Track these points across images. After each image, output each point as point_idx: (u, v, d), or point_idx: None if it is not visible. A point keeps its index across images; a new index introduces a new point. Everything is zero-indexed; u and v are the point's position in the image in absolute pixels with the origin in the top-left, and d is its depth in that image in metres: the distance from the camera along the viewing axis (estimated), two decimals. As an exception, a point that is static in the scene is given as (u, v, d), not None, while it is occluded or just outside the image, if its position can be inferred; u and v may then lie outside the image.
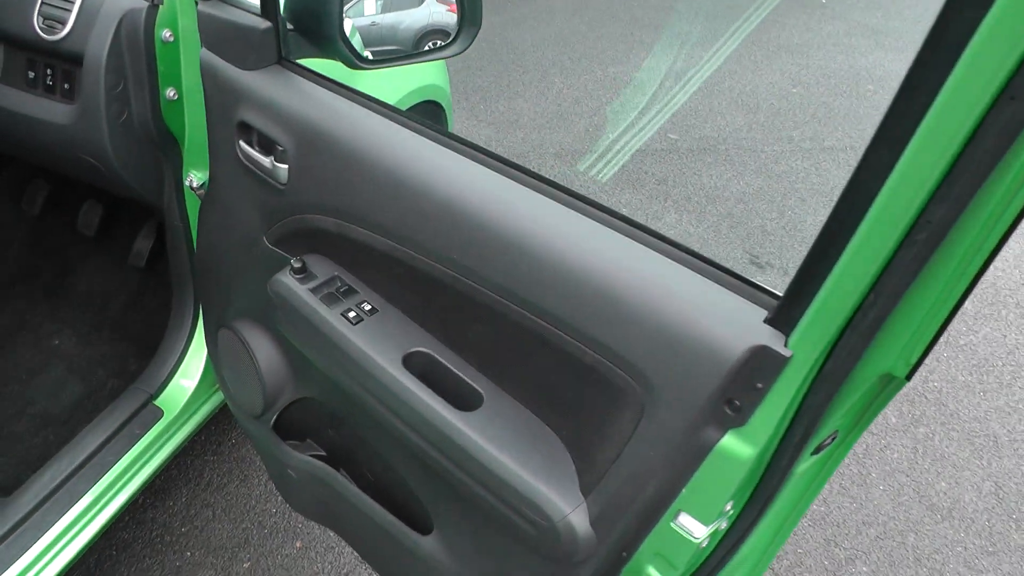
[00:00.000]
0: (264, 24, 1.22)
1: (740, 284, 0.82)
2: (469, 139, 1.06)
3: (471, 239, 0.98)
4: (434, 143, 1.07)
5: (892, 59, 5.93)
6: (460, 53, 1.38)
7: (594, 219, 0.91)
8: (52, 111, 1.56)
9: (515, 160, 1.01)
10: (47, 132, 1.58)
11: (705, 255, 0.85)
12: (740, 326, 0.78)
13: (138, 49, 1.48)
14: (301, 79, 1.24)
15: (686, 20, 6.59)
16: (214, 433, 2.31)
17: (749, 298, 0.81)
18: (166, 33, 1.48)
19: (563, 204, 0.94)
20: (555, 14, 6.53)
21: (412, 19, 1.23)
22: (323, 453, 1.52)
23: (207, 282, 1.61)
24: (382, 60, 1.39)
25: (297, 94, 1.21)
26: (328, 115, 1.17)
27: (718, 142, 4.44)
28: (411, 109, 2.17)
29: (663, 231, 0.88)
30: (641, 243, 0.88)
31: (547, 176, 0.97)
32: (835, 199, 0.62)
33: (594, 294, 0.87)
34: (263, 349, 1.45)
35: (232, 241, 1.45)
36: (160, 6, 1.46)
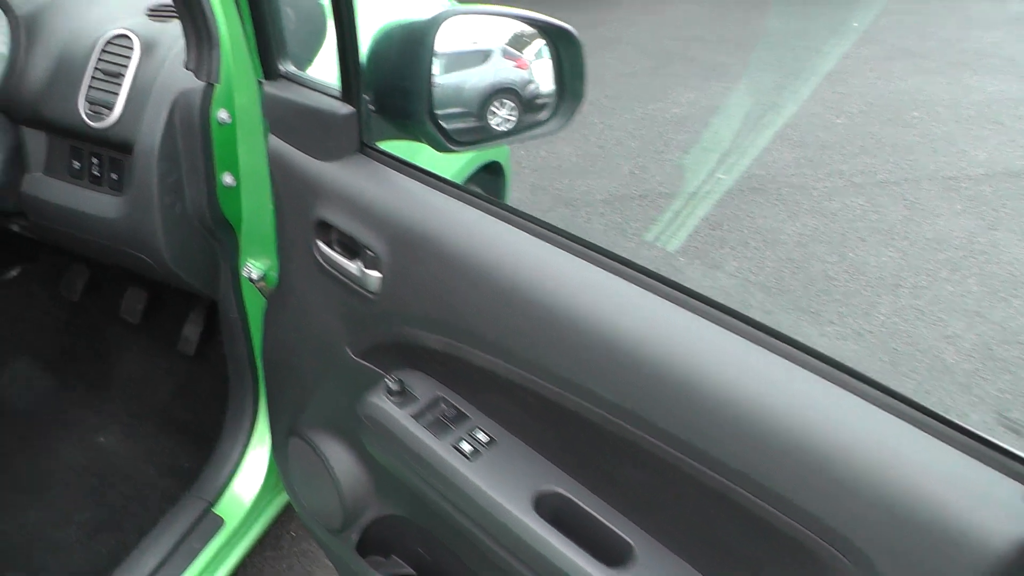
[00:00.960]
0: (345, 109, 1.07)
1: (987, 451, 0.65)
2: (597, 243, 0.90)
3: (616, 369, 0.81)
4: (555, 245, 0.91)
5: (933, 83, 5.76)
6: (560, 130, 1.22)
7: (781, 354, 0.74)
8: (99, 204, 1.42)
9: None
10: (93, 226, 1.44)
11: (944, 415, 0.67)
12: (998, 505, 0.60)
13: (193, 133, 1.34)
14: (387, 169, 1.09)
15: (719, 51, 6.47)
16: (272, 525, 2.14)
17: (998, 467, 0.63)
18: (223, 114, 1.34)
19: (733, 331, 0.77)
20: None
21: (478, 78, 1.14)
22: (412, 572, 1.35)
23: (274, 384, 1.46)
24: (475, 141, 1.23)
25: (385, 187, 1.06)
26: (424, 212, 1.01)
27: (767, 180, 4.27)
28: (476, 171, 2.02)
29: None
30: (851, 391, 0.71)
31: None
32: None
33: (789, 447, 0.70)
34: (342, 463, 1.29)
35: (306, 346, 1.29)
36: (216, 85, 1.32)
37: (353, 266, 1.09)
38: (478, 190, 1.01)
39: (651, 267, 0.84)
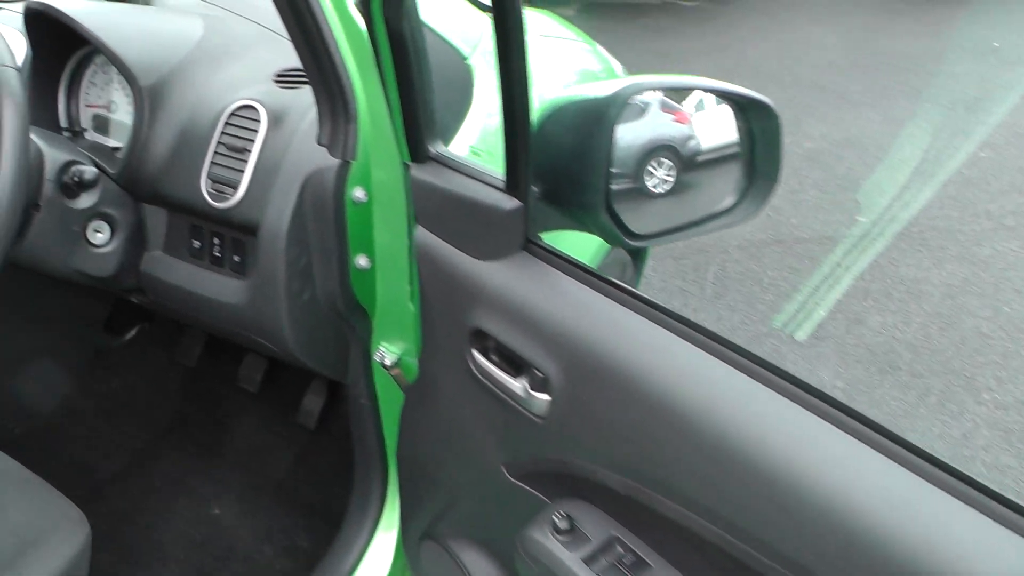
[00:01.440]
0: (510, 203, 0.92)
1: None
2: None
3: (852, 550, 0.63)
4: (767, 385, 0.73)
5: (1087, 111, 5.27)
6: (750, 219, 1.03)
7: None
8: (220, 287, 1.31)
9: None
10: (213, 310, 1.32)
11: None
12: None
13: (325, 214, 1.20)
14: (557, 271, 0.92)
15: (850, 78, 6.11)
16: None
17: None
18: (358, 192, 1.20)
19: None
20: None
21: (634, 134, 1.00)
22: None
23: (408, 480, 1.32)
24: (656, 235, 1.05)
25: (556, 294, 0.89)
26: (605, 329, 0.85)
27: (909, 224, 3.94)
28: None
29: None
30: None
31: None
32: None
33: None
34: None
35: (450, 452, 1.14)
36: (352, 162, 1.19)
37: (517, 385, 0.93)
38: (666, 307, 0.83)
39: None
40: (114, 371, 2.05)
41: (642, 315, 0.84)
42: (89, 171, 1.16)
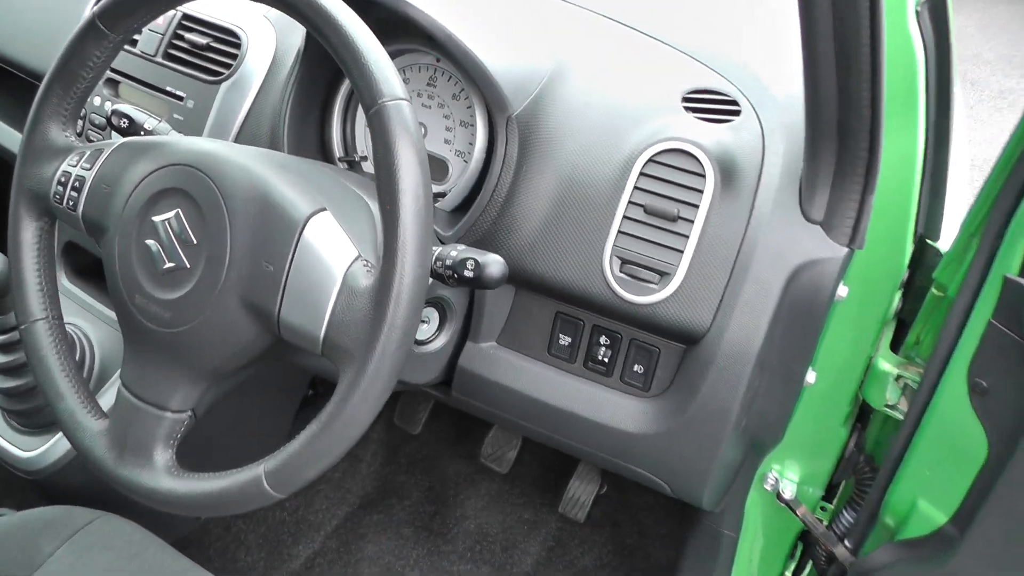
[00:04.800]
0: None
1: None
2: None
3: None
4: None
5: None
6: None
7: None
8: (597, 402, 0.93)
9: None
10: (575, 429, 0.95)
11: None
12: None
13: (803, 322, 0.84)
14: None
15: (1007, 73, 5.49)
16: None
17: None
18: (842, 289, 0.86)
19: None
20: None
21: None
22: None
23: None
24: None
25: None
26: None
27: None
28: None
29: None
30: None
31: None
32: None
33: None
34: None
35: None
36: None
37: None
38: None
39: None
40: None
41: None
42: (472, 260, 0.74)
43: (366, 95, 0.63)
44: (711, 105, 0.90)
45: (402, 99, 0.64)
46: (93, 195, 0.77)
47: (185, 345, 0.71)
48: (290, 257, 0.66)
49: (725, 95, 0.91)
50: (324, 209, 0.69)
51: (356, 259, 0.66)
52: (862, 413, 1.03)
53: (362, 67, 0.63)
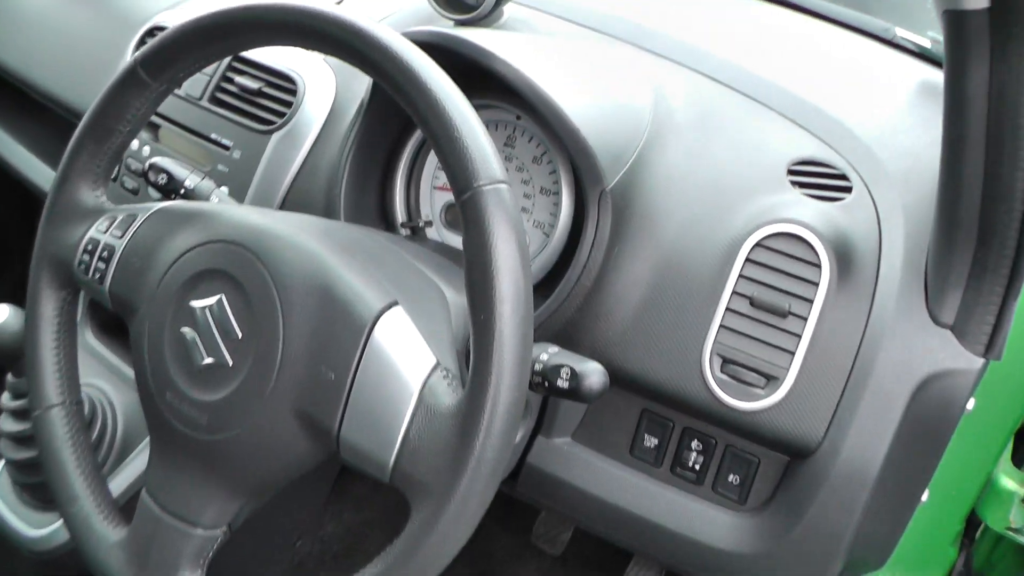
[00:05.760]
0: None
1: None
2: None
3: None
4: None
5: None
6: None
7: None
8: (684, 512, 0.82)
9: None
10: (657, 539, 0.83)
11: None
12: None
13: (927, 438, 0.73)
14: None
15: None
16: None
17: None
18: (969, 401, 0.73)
19: None
20: None
21: None
22: None
23: None
24: None
25: None
26: None
27: None
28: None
29: None
30: None
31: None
32: None
33: None
34: None
35: None
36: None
37: None
38: None
39: None
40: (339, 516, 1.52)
41: None
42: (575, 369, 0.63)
43: (459, 176, 0.53)
44: (819, 179, 0.80)
45: (502, 183, 0.53)
46: (123, 268, 0.67)
47: (223, 455, 0.60)
48: (355, 363, 0.56)
49: (834, 168, 0.81)
50: (396, 303, 0.58)
51: (435, 368, 0.56)
52: (969, 525, 0.92)
53: (455, 141, 0.53)
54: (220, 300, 0.60)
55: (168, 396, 0.62)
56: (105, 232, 0.69)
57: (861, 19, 1.10)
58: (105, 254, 0.68)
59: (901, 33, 1.06)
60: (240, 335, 0.59)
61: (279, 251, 0.60)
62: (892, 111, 0.92)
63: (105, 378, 1.05)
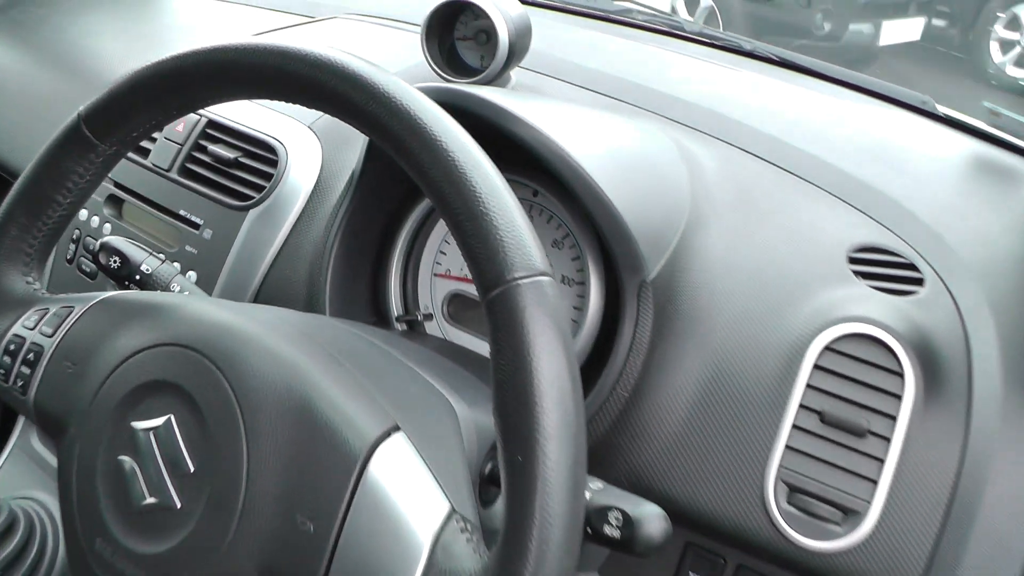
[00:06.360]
0: None
1: None
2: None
3: None
4: None
5: None
6: None
7: None
8: None
9: None
10: None
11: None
12: None
13: None
14: None
15: None
16: None
17: None
18: None
19: None
20: None
21: None
22: None
23: None
24: None
25: None
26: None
27: None
28: None
29: None
30: None
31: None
32: None
33: None
34: None
35: None
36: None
37: None
38: None
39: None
40: None
41: None
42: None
43: (488, 268, 0.41)
44: (886, 269, 0.69)
45: (543, 275, 0.41)
46: (52, 375, 0.54)
47: None
48: (343, 511, 0.42)
49: (901, 256, 0.69)
50: (396, 428, 0.45)
51: (449, 518, 0.42)
52: None
53: (486, 227, 0.41)
54: (168, 421, 0.47)
55: (98, 544, 0.48)
56: (33, 328, 0.56)
57: (896, 90, 1.01)
58: (31, 356, 0.55)
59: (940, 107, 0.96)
60: (192, 468, 0.46)
61: (246, 358, 0.47)
62: (951, 191, 0.82)
63: (50, 490, 0.90)
